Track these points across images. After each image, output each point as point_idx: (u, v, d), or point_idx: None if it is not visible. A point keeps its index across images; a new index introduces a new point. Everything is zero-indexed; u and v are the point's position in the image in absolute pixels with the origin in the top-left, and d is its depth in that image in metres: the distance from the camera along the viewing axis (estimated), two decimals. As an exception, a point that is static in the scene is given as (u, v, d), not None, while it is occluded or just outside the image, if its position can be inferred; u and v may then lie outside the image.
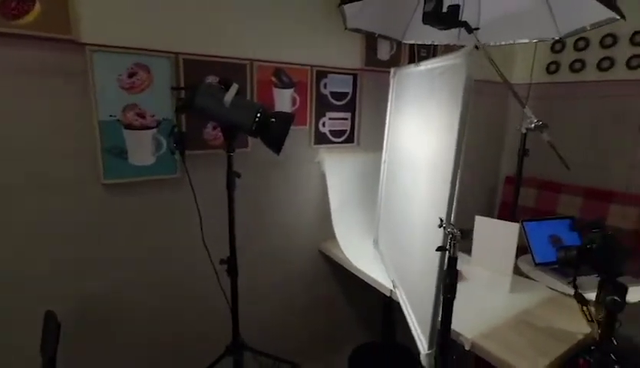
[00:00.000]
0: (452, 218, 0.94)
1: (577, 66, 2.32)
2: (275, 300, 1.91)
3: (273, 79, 1.66)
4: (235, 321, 1.53)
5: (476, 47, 1.02)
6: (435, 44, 2.02)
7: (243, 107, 1.30)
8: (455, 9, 1.41)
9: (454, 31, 1.92)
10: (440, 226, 0.93)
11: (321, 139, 1.87)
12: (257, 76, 1.61)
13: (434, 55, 2.20)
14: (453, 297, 0.90)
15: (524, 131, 1.95)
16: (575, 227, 1.18)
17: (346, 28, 1.70)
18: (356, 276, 1.70)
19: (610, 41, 2.16)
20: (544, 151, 1.25)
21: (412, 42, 1.97)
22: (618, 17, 1.26)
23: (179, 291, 1.62)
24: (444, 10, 1.40)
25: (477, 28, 1.45)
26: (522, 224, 1.86)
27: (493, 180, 2.82)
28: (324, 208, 1.89)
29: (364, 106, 1.97)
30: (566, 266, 1.13)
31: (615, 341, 1.10)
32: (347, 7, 1.57)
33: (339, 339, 2.15)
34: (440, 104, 1.19)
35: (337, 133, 1.92)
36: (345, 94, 1.89)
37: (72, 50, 1.25)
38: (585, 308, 1.11)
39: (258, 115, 1.29)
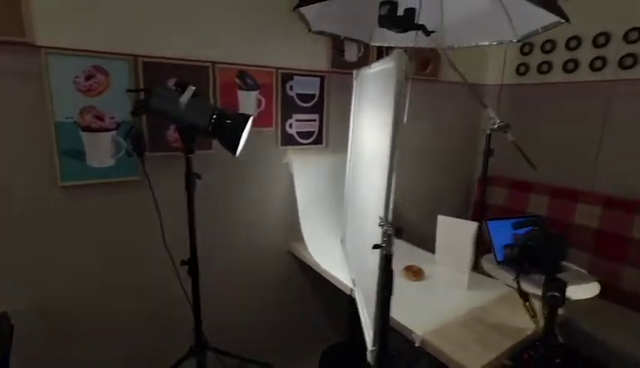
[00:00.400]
0: (389, 216, 0.96)
1: (544, 68, 2.37)
2: (244, 300, 1.93)
3: (237, 81, 1.68)
4: (197, 321, 1.54)
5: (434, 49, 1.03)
6: (401, 47, 2.06)
7: (199, 109, 1.32)
8: (410, 12, 1.44)
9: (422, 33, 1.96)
10: (380, 225, 0.95)
11: (288, 140, 1.89)
12: (220, 78, 1.62)
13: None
14: (389, 295, 0.92)
15: (488, 132, 1.99)
16: (517, 226, 1.21)
17: (310, 31, 1.72)
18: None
19: (575, 43, 2.20)
20: (514, 151, 1.30)
21: (379, 45, 2.00)
22: (564, 20, 1.30)
23: (141, 293, 1.62)
24: (400, 13, 1.44)
25: (433, 31, 1.47)
26: (486, 223, 1.90)
27: (470, 180, 2.86)
28: (293, 208, 1.91)
29: (332, 107, 2.00)
30: (511, 263, 1.16)
31: (559, 337, 1.13)
32: (306, 9, 1.59)
33: (310, 339, 2.17)
34: (382, 106, 1.22)
35: (305, 135, 1.94)
36: (312, 96, 1.92)
37: (27, 53, 1.26)
38: (527, 304, 1.13)
39: (214, 116, 1.31)
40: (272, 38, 1.74)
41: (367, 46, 2.04)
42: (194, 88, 1.31)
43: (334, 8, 1.69)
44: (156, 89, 1.27)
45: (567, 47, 2.24)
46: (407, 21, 1.43)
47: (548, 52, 2.34)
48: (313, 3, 1.32)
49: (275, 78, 1.78)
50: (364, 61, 2.07)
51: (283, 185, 1.92)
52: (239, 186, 1.80)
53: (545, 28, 1.45)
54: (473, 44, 1.83)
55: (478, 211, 2.72)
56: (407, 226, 2.42)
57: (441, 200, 2.68)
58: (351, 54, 2.01)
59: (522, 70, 2.50)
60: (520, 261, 1.10)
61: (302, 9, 1.56)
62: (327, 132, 2.00)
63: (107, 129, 1.43)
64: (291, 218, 1.95)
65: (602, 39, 2.09)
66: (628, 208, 1.97)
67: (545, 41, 2.34)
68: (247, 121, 1.35)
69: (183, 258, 1.46)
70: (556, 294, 1.05)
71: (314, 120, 1.95)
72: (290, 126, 1.88)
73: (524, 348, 1.19)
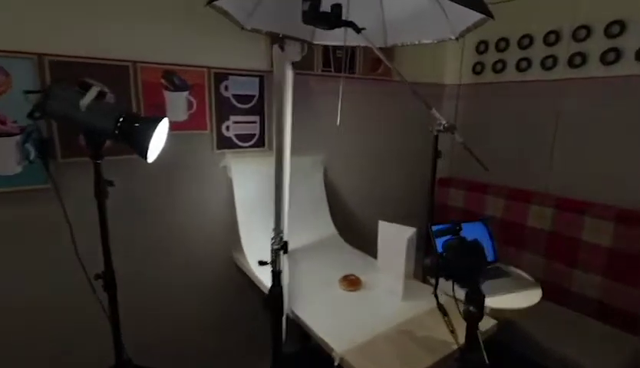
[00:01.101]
0: (282, 228, 0.87)
1: (499, 66, 2.32)
2: (179, 315, 1.82)
3: (164, 81, 1.58)
4: (117, 339, 1.43)
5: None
6: (348, 45, 1.98)
7: (103, 112, 1.21)
8: (337, 8, 1.36)
9: (371, 32, 1.88)
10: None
11: (226, 143, 1.79)
12: (142, 78, 1.52)
13: (352, 57, 2.16)
14: (280, 314, 0.84)
15: (435, 133, 1.93)
16: (439, 234, 1.14)
17: (243, 29, 1.64)
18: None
19: (527, 41, 2.16)
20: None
21: (324, 43, 1.92)
22: (489, 18, 1.25)
23: (57, 312, 1.51)
24: (328, 10, 1.36)
25: (363, 28, 1.40)
26: (429, 228, 1.83)
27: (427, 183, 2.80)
28: (235, 215, 1.82)
29: (274, 108, 1.91)
30: (430, 275, 1.09)
31: (484, 352, 1.06)
32: (233, 6, 1.50)
33: (254, 353, 2.08)
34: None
35: (244, 137, 1.84)
36: (251, 97, 1.83)
37: None
38: (446, 318, 1.06)
39: (121, 120, 1.21)
40: (203, 36, 1.65)
41: (311, 45, 1.96)
42: (99, 89, 1.21)
43: (268, 5, 1.61)
44: (53, 90, 1.17)
45: (520, 45, 2.20)
46: (332, 18, 1.36)
47: (502, 51, 2.30)
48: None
49: (208, 78, 1.68)
50: (308, 60, 1.99)
51: (222, 190, 1.83)
52: (170, 193, 1.70)
53: (476, 25, 1.40)
54: (416, 42, 1.77)
55: (439, 213, 2.67)
56: (359, 230, 2.35)
57: (401, 202, 2.61)
58: (294, 52, 1.92)
59: (478, 69, 2.45)
60: (436, 273, 1.03)
61: (227, 6, 1.46)
62: (269, 134, 1.92)
63: (10, 134, 1.32)
64: (233, 226, 1.85)
65: (552, 37, 2.04)
66: (579, 210, 1.93)
67: (500, 39, 2.29)
68: (158, 124, 1.26)
69: (100, 271, 1.36)
70: (471, 308, 0.98)
71: (254, 122, 1.86)
72: (227, 128, 1.78)
73: (448, 363, 1.12)
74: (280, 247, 0.78)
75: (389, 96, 2.35)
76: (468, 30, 1.49)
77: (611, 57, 1.83)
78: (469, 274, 0.98)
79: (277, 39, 1.85)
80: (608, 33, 1.83)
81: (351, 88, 2.19)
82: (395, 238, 1.56)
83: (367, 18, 1.79)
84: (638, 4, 1.73)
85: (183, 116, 1.66)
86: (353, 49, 2.15)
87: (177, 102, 1.63)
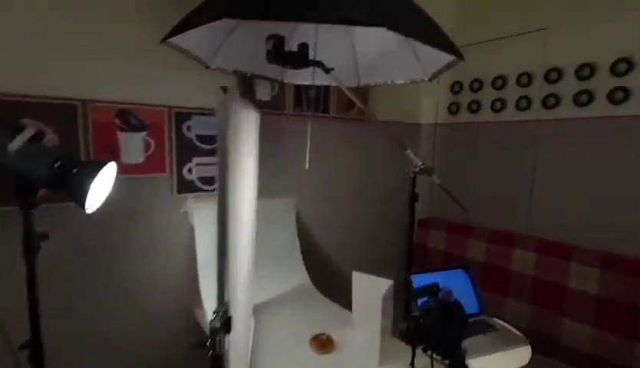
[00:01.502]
0: (225, 297, 0.73)
1: (474, 107, 2.30)
2: (131, 380, 1.60)
3: (117, 121, 1.46)
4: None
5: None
6: (318, 84, 1.93)
7: (36, 157, 1.07)
8: (304, 47, 1.29)
9: (343, 71, 1.83)
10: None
11: (187, 187, 1.66)
12: (93, 118, 1.40)
13: (325, 96, 2.10)
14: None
15: (412, 175, 1.85)
16: (418, 294, 1.01)
17: (207, 68, 1.55)
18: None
19: (500, 82, 2.16)
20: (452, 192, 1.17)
21: (294, 82, 1.86)
22: (460, 59, 1.21)
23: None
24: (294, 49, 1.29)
25: (332, 69, 1.33)
26: (407, 277, 1.70)
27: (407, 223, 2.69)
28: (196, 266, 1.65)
29: (217, 160, 1.79)
30: (407, 342, 0.95)
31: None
32: (198, 44, 1.42)
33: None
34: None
35: (209, 180, 1.71)
36: (216, 138, 1.71)
37: None
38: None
39: (57, 165, 1.07)
40: (164, 73, 1.55)
41: (282, 83, 1.89)
42: (34, 131, 1.07)
43: (234, 43, 1.54)
44: (-24, 132, 1.03)
45: (494, 86, 2.19)
46: (299, 57, 1.29)
47: (476, 91, 2.29)
48: (183, 31, 1.13)
49: (168, 117, 1.57)
50: (279, 100, 1.92)
51: (182, 238, 1.67)
52: (124, 243, 1.53)
53: (448, 67, 1.36)
54: (389, 82, 1.72)
55: (420, 256, 2.55)
56: (335, 278, 2.20)
57: (379, 245, 2.48)
58: (264, 92, 1.85)
59: (453, 109, 2.43)
60: (412, 343, 0.89)
61: (188, 45, 1.38)
62: (237, 176, 1.79)
63: None
64: (194, 279, 1.68)
65: (525, 79, 2.04)
66: (563, 255, 1.84)
67: (473, 79, 2.29)
68: (100, 169, 1.12)
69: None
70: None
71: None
72: (189, 170, 1.66)
73: None
74: (221, 324, 0.63)
75: (365, 136, 2.29)
76: (439, 71, 1.46)
77: (583, 98, 1.82)
78: (449, 344, 0.85)
79: (245, 78, 1.78)
80: (579, 75, 1.83)
81: (325, 128, 2.12)
82: (370, 292, 1.42)
83: (339, 58, 1.75)
84: (605, 48, 1.74)
85: (138, 158, 1.53)
86: (327, 88, 2.10)
87: (132, 143, 1.50)
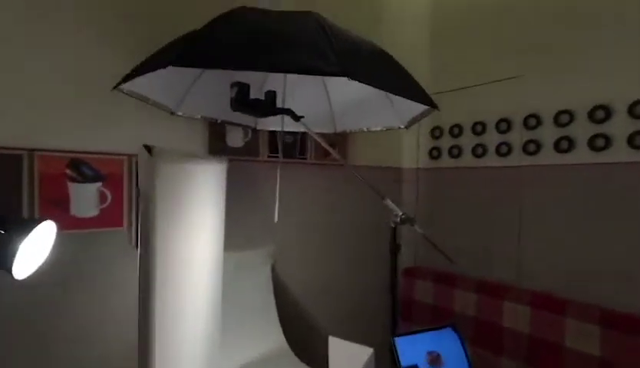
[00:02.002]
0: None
1: (455, 152, 2.26)
2: None
3: (69, 172, 1.33)
4: None
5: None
6: (293, 131, 1.86)
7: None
8: (271, 95, 1.22)
9: (319, 118, 1.77)
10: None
11: (147, 241, 1.50)
12: (40, 169, 1.27)
13: (303, 141, 2.03)
14: None
15: (392, 225, 1.74)
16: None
17: (173, 114, 1.47)
18: None
19: (480, 128, 2.13)
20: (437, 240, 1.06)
21: (268, 129, 1.79)
22: (435, 109, 1.15)
23: None
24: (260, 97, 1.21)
25: (302, 117, 1.25)
26: (392, 340, 1.54)
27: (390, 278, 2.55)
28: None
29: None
30: None
31: None
32: (160, 90, 1.34)
33: None
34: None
35: (172, 233, 1.57)
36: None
37: None
38: None
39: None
40: (123, 119, 1.45)
41: (255, 129, 1.81)
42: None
43: (201, 89, 1.47)
44: None
45: (473, 131, 2.16)
46: (266, 105, 1.21)
47: (456, 136, 2.26)
48: (133, 78, 1.04)
49: (128, 167, 1.46)
50: (253, 146, 1.83)
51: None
52: (71, 311, 1.34)
53: (423, 115, 1.32)
54: (364, 129, 1.67)
55: (407, 310, 2.38)
56: (313, 337, 2.01)
57: (362, 298, 2.31)
58: (235, 138, 1.77)
59: (435, 153, 2.38)
60: None
61: (147, 92, 1.29)
62: (204, 228, 1.65)
63: None
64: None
65: (504, 125, 2.02)
66: (558, 310, 1.71)
67: (453, 125, 2.27)
68: (31, 229, 0.98)
69: None
70: None
71: (185, 215, 1.60)
72: (151, 223, 1.51)
73: None
74: None
75: (344, 183, 2.20)
76: (415, 120, 1.41)
77: (564, 145, 1.78)
78: None
79: (214, 124, 1.70)
80: (557, 122, 1.81)
81: (302, 174, 2.03)
82: (350, 362, 1.26)
83: (314, 104, 1.69)
84: (582, 94, 1.74)
85: (92, 211, 1.39)
86: (304, 133, 2.03)
87: (85, 195, 1.37)
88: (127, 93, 1.18)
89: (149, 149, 0.69)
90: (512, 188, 2.00)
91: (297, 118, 1.27)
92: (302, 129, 1.67)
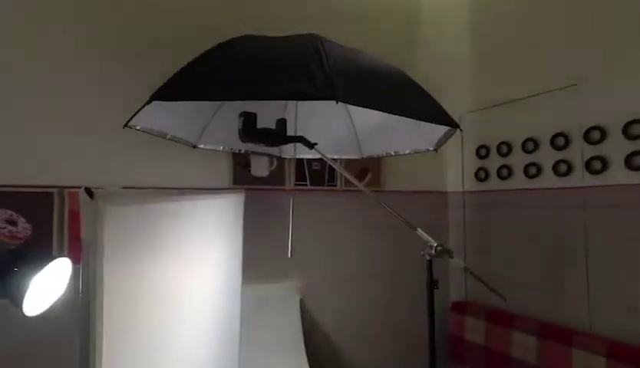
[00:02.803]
0: None
1: (504, 173, 2.02)
2: None
3: (96, 207, 1.38)
4: None
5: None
6: (318, 158, 1.79)
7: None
8: (282, 124, 1.17)
9: (344, 144, 1.69)
10: None
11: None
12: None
13: (332, 168, 1.94)
14: None
15: (428, 258, 1.56)
16: None
17: (195, 147, 1.48)
18: None
19: (532, 145, 1.89)
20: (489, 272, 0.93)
21: (291, 157, 1.74)
22: (457, 129, 1.02)
23: None
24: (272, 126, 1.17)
25: (316, 143, 1.19)
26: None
27: (441, 308, 2.31)
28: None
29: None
30: None
31: None
32: (179, 126, 1.35)
33: None
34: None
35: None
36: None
37: None
38: None
39: (-3, 264, 0.97)
40: (150, 154, 1.49)
41: (280, 158, 1.78)
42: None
43: (223, 121, 1.47)
44: None
45: (525, 149, 1.92)
46: (274, 134, 1.16)
47: (505, 155, 2.02)
48: (134, 116, 1.04)
49: (153, 201, 1.48)
50: (279, 175, 1.79)
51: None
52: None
53: (447, 137, 1.18)
54: (392, 153, 1.55)
55: (456, 348, 2.12)
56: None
57: (402, 337, 2.11)
58: (260, 167, 1.74)
59: (481, 175, 2.16)
60: None
61: (166, 128, 1.31)
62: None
63: None
64: None
65: (561, 140, 1.76)
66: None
67: (501, 143, 2.04)
68: (43, 266, 1.00)
69: None
70: None
71: (209, 247, 1.58)
72: (174, 256, 1.51)
73: None
74: None
75: (379, 209, 2.05)
76: (442, 141, 1.26)
77: (637, 161, 1.50)
78: None
79: (239, 155, 1.69)
80: (627, 134, 1.53)
81: (332, 201, 1.93)
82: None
83: (337, 129, 1.63)
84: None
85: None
86: (333, 160, 1.96)
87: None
88: (141, 131, 1.20)
89: (89, 192, 0.66)
90: (575, 212, 1.72)
91: (310, 145, 1.20)
92: (318, 156, 1.61)
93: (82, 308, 0.60)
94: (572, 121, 1.72)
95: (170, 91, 0.85)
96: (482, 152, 2.16)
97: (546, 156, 1.83)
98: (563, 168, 1.75)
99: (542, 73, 1.86)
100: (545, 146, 1.84)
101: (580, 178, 1.70)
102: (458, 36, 2.31)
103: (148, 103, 0.84)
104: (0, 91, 1.28)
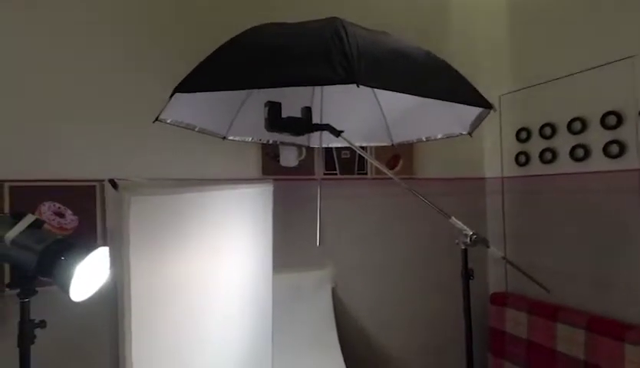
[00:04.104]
0: None
1: (547, 156, 1.89)
2: None
3: (134, 199, 1.45)
4: None
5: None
6: (347, 147, 1.76)
7: (28, 245, 1.06)
8: (307, 112, 1.16)
9: (374, 131, 1.65)
10: None
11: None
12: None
13: (361, 157, 1.91)
14: None
15: (463, 247, 1.49)
16: None
17: (225, 139, 1.51)
18: None
19: (579, 126, 1.74)
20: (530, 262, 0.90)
21: (319, 147, 1.72)
22: (490, 110, 0.95)
23: None
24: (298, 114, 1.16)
25: (342, 131, 1.17)
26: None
27: (480, 299, 2.23)
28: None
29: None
30: None
31: None
32: (208, 118, 1.38)
33: None
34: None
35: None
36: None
37: None
38: None
39: (44, 252, 1.04)
40: (184, 147, 1.54)
41: (309, 147, 1.77)
42: (33, 218, 1.08)
43: (250, 112, 1.48)
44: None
45: (570, 130, 1.78)
46: (301, 123, 1.15)
47: (548, 137, 1.89)
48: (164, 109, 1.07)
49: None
50: (308, 165, 1.78)
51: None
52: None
53: (481, 118, 1.10)
54: (423, 139, 1.49)
55: (497, 341, 2.04)
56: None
57: (436, 327, 2.06)
58: (289, 157, 1.74)
59: (522, 159, 2.03)
60: None
61: (195, 121, 1.33)
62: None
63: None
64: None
65: (611, 119, 1.61)
66: None
67: (544, 124, 1.91)
68: (87, 255, 1.06)
69: None
70: None
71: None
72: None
73: None
74: None
75: (412, 197, 2.00)
76: (475, 124, 1.19)
77: None
78: None
79: (267, 145, 1.70)
80: (692, 108, 1.37)
81: (363, 191, 1.90)
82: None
83: (367, 117, 1.59)
84: None
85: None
86: (362, 148, 1.92)
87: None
88: (172, 124, 1.23)
89: (114, 183, 0.67)
90: (629, 197, 1.58)
91: (337, 133, 1.18)
92: (346, 144, 1.58)
93: (113, 298, 0.62)
94: (626, 97, 1.56)
95: (191, 83, 0.87)
96: (522, 135, 2.03)
97: (596, 137, 1.68)
98: (615, 149, 1.61)
99: (589, 47, 1.71)
100: (595, 126, 1.69)
101: (635, 159, 1.55)
102: (494, 11, 2.17)
103: (171, 96, 0.85)
104: (53, 91, 1.36)
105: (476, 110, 1.12)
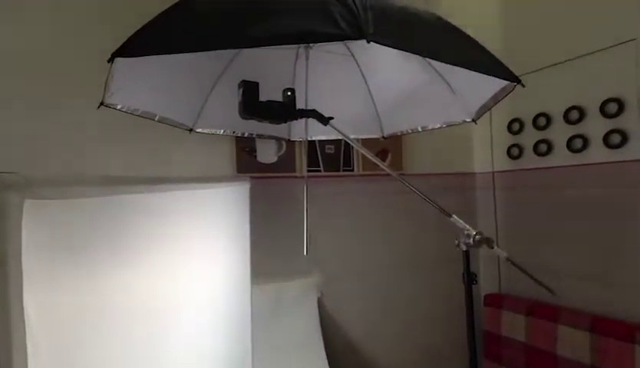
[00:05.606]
0: None
1: (542, 148, 1.79)
2: None
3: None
4: None
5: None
6: (336, 139, 1.59)
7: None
8: (290, 95, 0.97)
9: (363, 122, 1.48)
10: None
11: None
12: None
13: (346, 152, 1.74)
14: None
15: (464, 248, 1.35)
16: None
17: (191, 131, 1.30)
18: None
19: (576, 115, 1.65)
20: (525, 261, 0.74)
21: (302, 139, 1.53)
22: (514, 83, 0.79)
23: None
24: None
25: (331, 118, 0.99)
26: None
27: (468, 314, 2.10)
28: None
29: None
30: None
31: None
32: (172, 106, 1.16)
33: None
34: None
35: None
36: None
37: None
38: None
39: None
40: (138, 138, 1.31)
41: (289, 141, 1.57)
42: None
43: (220, 100, 1.27)
44: None
45: (567, 120, 1.68)
46: (285, 108, 0.96)
47: (543, 128, 1.79)
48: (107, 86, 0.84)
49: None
50: (288, 160, 1.59)
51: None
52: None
53: (496, 99, 0.94)
54: (419, 129, 1.33)
55: (491, 346, 1.92)
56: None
57: (429, 336, 1.92)
58: (267, 153, 1.54)
59: (515, 152, 1.92)
60: None
61: (160, 111, 1.11)
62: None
63: None
64: None
65: (612, 107, 1.52)
66: None
67: (538, 114, 1.80)
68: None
69: None
70: None
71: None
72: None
73: None
74: None
75: (402, 195, 1.85)
76: (486, 107, 1.03)
77: None
78: None
79: (242, 139, 1.50)
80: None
81: (350, 189, 1.73)
82: None
83: (355, 105, 1.41)
84: None
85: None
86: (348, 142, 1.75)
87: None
88: (124, 111, 1.01)
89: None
90: (630, 190, 1.49)
91: (325, 121, 1.01)
92: (335, 136, 1.40)
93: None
94: (628, 82, 1.47)
95: (141, 44, 0.65)
96: (515, 126, 1.92)
97: (595, 126, 1.59)
98: (617, 139, 1.52)
99: (586, 29, 1.61)
100: (594, 115, 1.59)
101: (638, 149, 1.46)
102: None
103: (110, 60, 0.64)
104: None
105: (486, 94, 0.96)
